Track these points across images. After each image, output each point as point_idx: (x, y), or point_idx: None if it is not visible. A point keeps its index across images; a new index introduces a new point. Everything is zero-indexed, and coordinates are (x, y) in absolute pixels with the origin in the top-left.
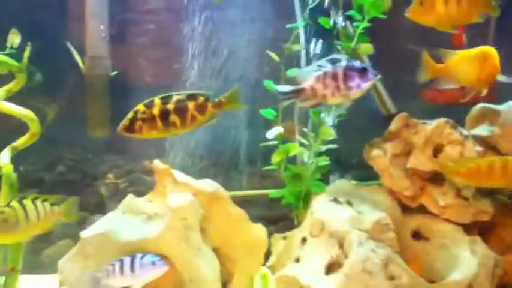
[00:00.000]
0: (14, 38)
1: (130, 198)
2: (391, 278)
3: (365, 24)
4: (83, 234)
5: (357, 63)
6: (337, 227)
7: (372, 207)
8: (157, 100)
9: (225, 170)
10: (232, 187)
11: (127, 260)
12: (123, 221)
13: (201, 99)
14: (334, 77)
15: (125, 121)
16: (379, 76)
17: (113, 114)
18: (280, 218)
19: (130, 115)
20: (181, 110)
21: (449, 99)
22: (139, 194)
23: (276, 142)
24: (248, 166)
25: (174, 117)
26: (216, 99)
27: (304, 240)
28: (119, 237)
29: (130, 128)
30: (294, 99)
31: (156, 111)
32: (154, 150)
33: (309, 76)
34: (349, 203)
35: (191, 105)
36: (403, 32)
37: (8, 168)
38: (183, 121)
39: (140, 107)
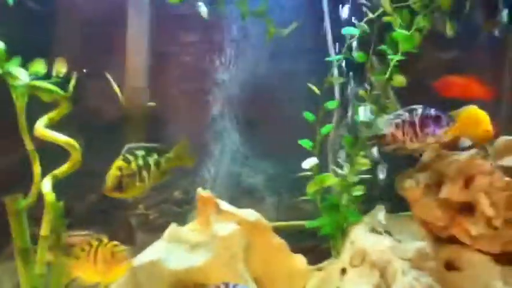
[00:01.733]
0: (60, 67)
1: (174, 228)
2: None
3: (399, 57)
4: (135, 262)
5: (432, 111)
6: (379, 256)
7: (410, 237)
8: (130, 156)
9: (253, 201)
10: None
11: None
12: (169, 250)
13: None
14: (412, 124)
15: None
16: (452, 123)
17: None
18: (307, 249)
19: (115, 173)
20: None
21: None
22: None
23: (309, 173)
24: (274, 197)
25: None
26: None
27: (344, 271)
28: (167, 266)
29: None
30: (377, 144)
31: (134, 166)
32: (184, 181)
33: (389, 124)
34: (388, 233)
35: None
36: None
37: (51, 197)
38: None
39: (120, 163)
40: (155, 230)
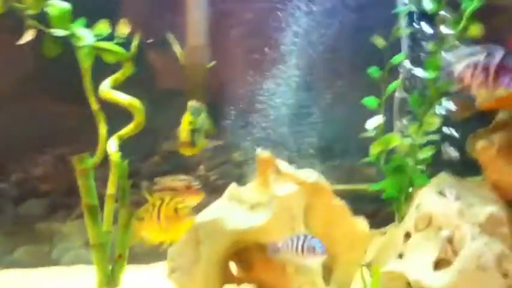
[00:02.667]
0: (123, 28)
1: (234, 187)
2: (505, 275)
3: (476, 2)
4: (197, 220)
5: None
6: (447, 221)
7: (480, 201)
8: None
9: (311, 162)
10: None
11: (301, 239)
12: (229, 209)
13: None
14: (485, 69)
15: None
16: None
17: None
18: (369, 214)
19: (187, 127)
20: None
21: None
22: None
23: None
24: (336, 159)
25: None
26: None
27: (407, 235)
28: (227, 225)
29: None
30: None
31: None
32: (245, 143)
33: (459, 60)
34: (457, 196)
35: None
36: None
37: (117, 156)
38: None
39: (190, 118)
40: (216, 191)
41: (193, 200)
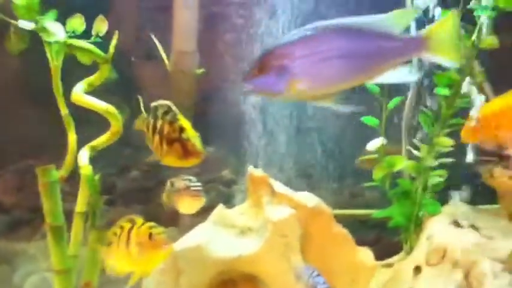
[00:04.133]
0: (100, 26)
1: (220, 209)
2: None
3: (489, 12)
4: (176, 247)
5: None
6: (464, 255)
7: (499, 234)
8: None
9: (311, 184)
10: None
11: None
12: (215, 235)
13: None
14: None
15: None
16: None
17: (195, 115)
18: (369, 242)
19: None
20: None
21: None
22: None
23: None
24: (335, 182)
25: None
26: None
27: (418, 269)
28: (212, 253)
29: None
30: None
31: None
32: (234, 159)
33: None
34: (474, 227)
35: None
36: None
37: (88, 169)
38: None
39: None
40: (201, 212)
41: (191, 206)
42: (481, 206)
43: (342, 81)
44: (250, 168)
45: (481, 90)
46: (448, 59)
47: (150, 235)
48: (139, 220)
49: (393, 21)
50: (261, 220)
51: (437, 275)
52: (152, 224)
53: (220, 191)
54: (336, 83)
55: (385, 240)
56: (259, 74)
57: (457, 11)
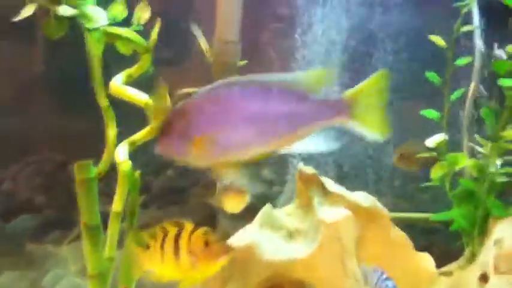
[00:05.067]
0: (143, 13)
1: (268, 210)
2: None
3: None
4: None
5: None
6: None
7: None
8: None
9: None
10: None
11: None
12: (262, 237)
13: None
14: None
15: None
16: None
17: None
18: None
19: None
20: None
21: None
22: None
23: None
24: (380, 184)
25: None
26: None
27: (484, 278)
28: (261, 257)
29: None
30: None
31: None
32: (275, 158)
33: None
34: None
35: None
36: None
37: (127, 165)
38: None
39: None
40: (240, 214)
41: (237, 203)
42: None
43: (250, 145)
44: (300, 166)
45: None
46: (372, 131)
47: (207, 243)
48: (188, 224)
49: (313, 80)
50: (310, 222)
51: (508, 284)
52: (206, 229)
53: (259, 192)
54: (243, 148)
55: (437, 247)
56: (163, 136)
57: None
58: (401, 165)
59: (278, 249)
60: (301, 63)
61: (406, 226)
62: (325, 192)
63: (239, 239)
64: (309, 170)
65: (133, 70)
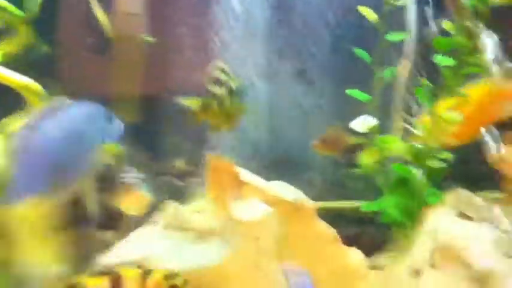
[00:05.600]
0: None
1: (173, 208)
2: None
3: None
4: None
5: None
6: (478, 254)
7: None
8: None
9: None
10: None
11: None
12: (166, 241)
13: None
14: None
15: None
16: None
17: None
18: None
19: None
20: None
21: None
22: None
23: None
24: (313, 171)
25: None
26: None
27: (417, 272)
28: (163, 266)
29: None
30: None
31: None
32: (191, 146)
33: None
34: (487, 220)
35: None
36: None
37: None
38: None
39: None
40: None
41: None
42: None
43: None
44: (209, 155)
45: None
46: None
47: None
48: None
49: None
50: (225, 219)
51: (444, 279)
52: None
53: (173, 186)
54: None
55: (369, 235)
56: None
57: None
58: (321, 151)
59: (187, 254)
60: (215, 41)
61: (336, 215)
62: (240, 184)
63: (134, 244)
64: (219, 158)
65: (8, 46)
